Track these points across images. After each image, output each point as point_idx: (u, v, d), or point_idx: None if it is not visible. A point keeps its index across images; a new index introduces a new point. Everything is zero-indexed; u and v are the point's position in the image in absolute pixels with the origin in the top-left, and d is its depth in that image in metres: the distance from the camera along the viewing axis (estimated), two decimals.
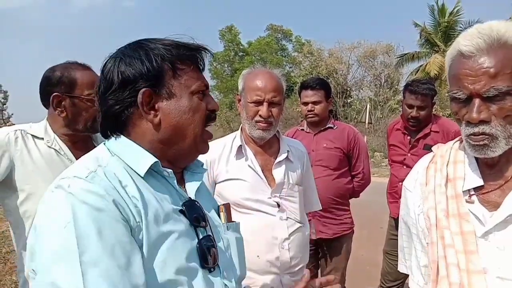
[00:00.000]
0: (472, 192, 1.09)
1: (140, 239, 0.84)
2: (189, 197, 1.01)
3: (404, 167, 3.05)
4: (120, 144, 0.97)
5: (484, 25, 1.00)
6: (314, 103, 2.86)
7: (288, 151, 1.91)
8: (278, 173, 1.85)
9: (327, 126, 2.94)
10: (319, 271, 3.07)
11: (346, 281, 3.50)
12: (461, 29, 21.34)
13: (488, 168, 1.09)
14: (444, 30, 21.68)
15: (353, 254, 5.07)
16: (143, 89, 0.93)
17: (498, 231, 1.02)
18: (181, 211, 0.95)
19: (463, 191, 1.10)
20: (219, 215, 1.12)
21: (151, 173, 0.95)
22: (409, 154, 3.05)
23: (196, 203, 1.01)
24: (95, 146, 1.84)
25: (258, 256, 1.73)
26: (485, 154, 1.02)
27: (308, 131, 3.00)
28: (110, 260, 0.76)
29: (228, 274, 1.02)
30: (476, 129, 1.00)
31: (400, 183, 3.07)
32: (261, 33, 33.47)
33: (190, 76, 0.98)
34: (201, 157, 1.89)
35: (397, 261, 3.15)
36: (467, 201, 1.09)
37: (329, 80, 23.55)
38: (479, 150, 1.03)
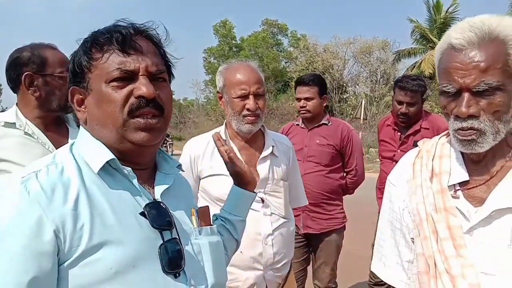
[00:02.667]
0: (458, 187, 1.09)
1: (77, 245, 0.81)
2: (154, 198, 0.96)
3: (394, 163, 3.04)
4: (82, 137, 0.97)
5: (475, 19, 0.99)
6: (307, 99, 2.86)
7: (273, 146, 1.89)
8: (263, 168, 1.83)
9: (321, 123, 2.94)
10: (309, 266, 3.06)
11: (338, 276, 3.50)
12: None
13: (474, 163, 1.09)
14: (440, 27, 21.73)
15: (345, 248, 5.05)
16: (70, 88, 0.95)
17: (483, 227, 1.02)
18: (142, 213, 0.91)
19: (448, 186, 1.09)
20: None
21: (110, 171, 0.92)
22: (398, 151, 3.07)
23: (161, 204, 0.95)
24: (67, 128, 1.81)
25: (241, 252, 1.71)
26: (473, 149, 1.02)
27: (302, 126, 3.00)
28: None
29: (197, 281, 0.96)
30: (464, 124, 0.99)
31: None
32: (256, 28, 33.36)
33: (106, 64, 0.90)
34: (186, 153, 1.90)
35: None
36: (452, 196, 1.08)
37: (325, 76, 23.61)
38: (467, 145, 1.02)
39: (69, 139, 1.74)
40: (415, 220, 1.13)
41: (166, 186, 1.00)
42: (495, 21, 0.97)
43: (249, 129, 1.81)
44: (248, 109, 1.77)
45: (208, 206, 1.10)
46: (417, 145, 3.03)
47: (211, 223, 1.10)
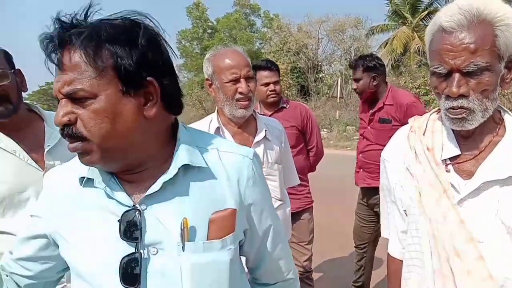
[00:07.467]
0: (448, 162, 1.13)
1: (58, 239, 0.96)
2: (133, 205, 0.88)
3: (364, 139, 3.17)
4: None
5: (463, 2, 1.03)
6: (275, 83, 2.88)
7: (265, 130, 1.91)
8: (257, 152, 1.84)
9: (280, 106, 2.98)
10: None
11: (324, 252, 3.55)
12: (427, 1, 21.68)
13: (464, 138, 1.13)
14: (411, 2, 21.88)
15: (330, 225, 5.16)
16: None
17: (472, 198, 1.07)
18: (120, 221, 0.87)
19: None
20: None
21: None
22: (368, 127, 3.15)
23: (136, 212, 0.86)
24: (44, 128, 1.57)
25: None
26: (463, 127, 1.07)
27: (262, 113, 2.97)
28: None
29: None
30: (455, 103, 1.04)
31: (360, 155, 3.22)
32: (228, 9, 32.83)
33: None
34: None
35: (363, 222, 3.36)
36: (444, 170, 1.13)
37: (300, 56, 23.58)
38: (457, 123, 1.07)
39: (46, 140, 1.55)
40: (410, 195, 1.18)
41: (151, 192, 0.88)
42: (483, 4, 1.00)
43: (243, 114, 1.81)
44: (240, 93, 1.77)
45: (234, 209, 0.93)
46: (382, 122, 3.24)
47: (232, 230, 0.93)
